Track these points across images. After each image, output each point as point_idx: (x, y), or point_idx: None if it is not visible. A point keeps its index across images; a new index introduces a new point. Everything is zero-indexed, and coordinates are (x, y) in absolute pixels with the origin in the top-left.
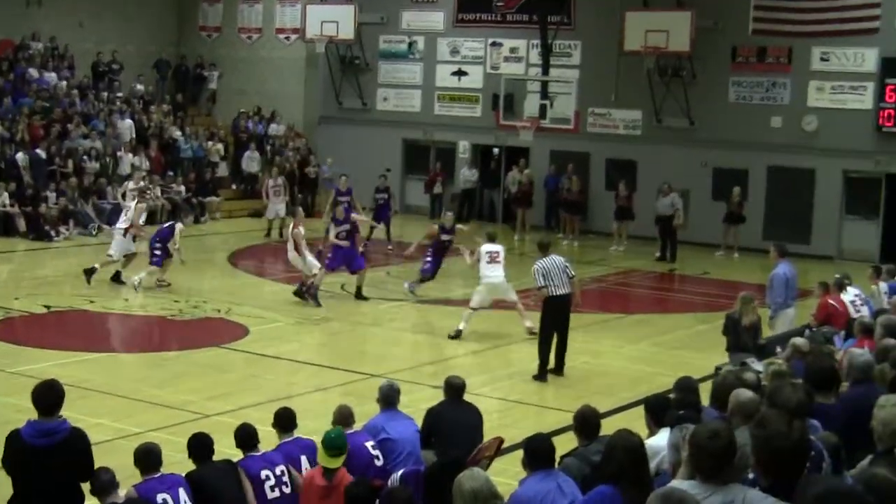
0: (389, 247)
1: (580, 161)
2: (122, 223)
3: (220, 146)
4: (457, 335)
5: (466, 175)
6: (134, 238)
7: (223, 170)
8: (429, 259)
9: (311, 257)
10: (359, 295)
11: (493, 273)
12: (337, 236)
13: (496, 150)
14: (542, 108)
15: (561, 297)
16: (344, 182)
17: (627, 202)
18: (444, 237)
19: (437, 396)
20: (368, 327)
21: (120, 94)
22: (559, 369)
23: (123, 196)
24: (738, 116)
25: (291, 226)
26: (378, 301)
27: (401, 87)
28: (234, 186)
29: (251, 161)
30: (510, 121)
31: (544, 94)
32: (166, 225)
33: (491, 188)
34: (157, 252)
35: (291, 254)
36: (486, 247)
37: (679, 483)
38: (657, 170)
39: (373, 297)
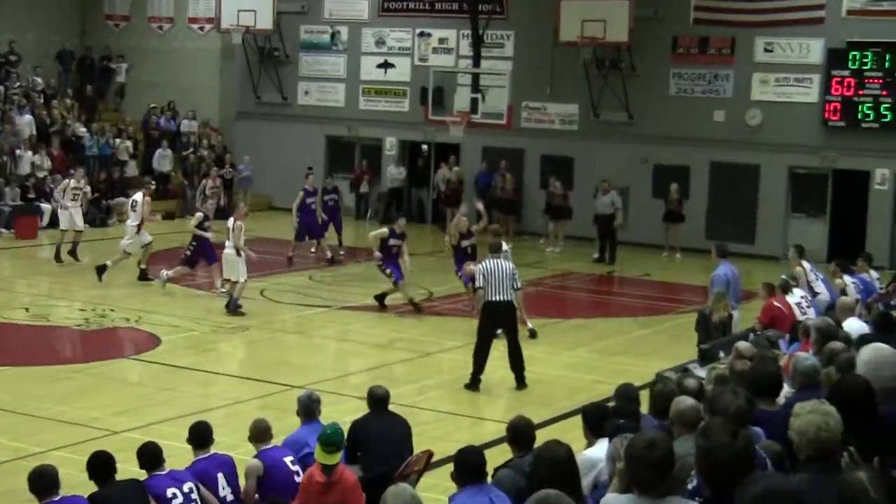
0: (342, 253)
1: (514, 158)
2: (133, 220)
3: (128, 144)
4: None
5: (394, 173)
6: (138, 230)
7: (132, 169)
8: (388, 268)
9: (243, 265)
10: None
11: None
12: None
13: (425, 147)
14: (474, 103)
15: (500, 304)
16: (330, 181)
17: (564, 201)
18: (394, 242)
19: (363, 408)
20: (290, 335)
21: (18, 88)
22: (520, 382)
23: (64, 194)
24: (679, 110)
25: (233, 218)
26: (301, 307)
27: (323, 81)
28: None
29: (163, 160)
30: (439, 115)
31: (475, 87)
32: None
33: (419, 187)
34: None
35: (229, 251)
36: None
37: (614, 498)
38: (595, 167)
39: (295, 304)
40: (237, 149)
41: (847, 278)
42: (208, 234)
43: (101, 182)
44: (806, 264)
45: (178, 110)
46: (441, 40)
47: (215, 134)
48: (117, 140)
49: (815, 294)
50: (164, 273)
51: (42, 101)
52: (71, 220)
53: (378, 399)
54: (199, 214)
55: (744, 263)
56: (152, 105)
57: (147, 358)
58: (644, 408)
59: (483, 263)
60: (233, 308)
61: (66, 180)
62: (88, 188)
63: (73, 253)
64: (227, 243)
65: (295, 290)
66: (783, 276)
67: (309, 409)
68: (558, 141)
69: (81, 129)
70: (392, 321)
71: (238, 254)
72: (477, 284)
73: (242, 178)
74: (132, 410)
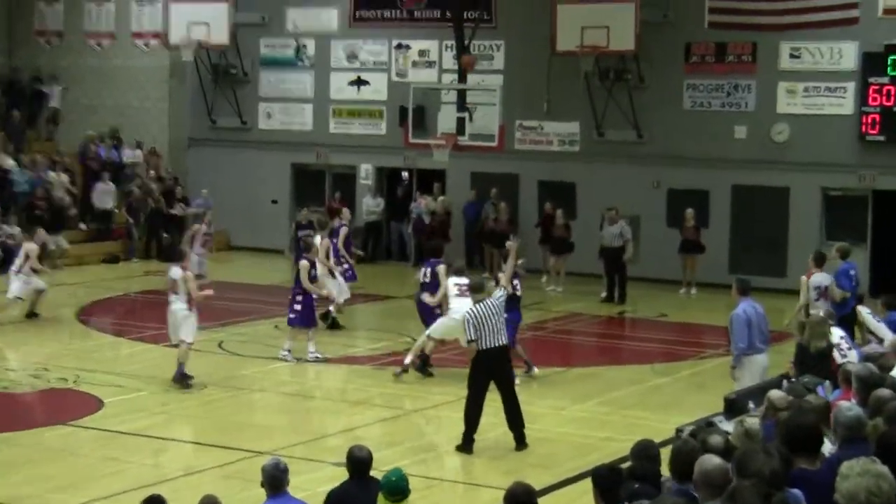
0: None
1: (507, 184)
2: (15, 266)
3: (64, 177)
4: (404, 371)
5: (370, 205)
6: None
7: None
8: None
9: (194, 322)
10: None
11: (460, 308)
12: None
13: (405, 175)
14: (460, 123)
15: (496, 351)
16: (304, 214)
17: (566, 232)
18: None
19: (341, 475)
20: (254, 393)
21: None
22: (520, 441)
23: None
24: (695, 126)
25: (181, 267)
26: (266, 360)
27: (288, 101)
28: (83, 226)
29: (104, 195)
30: (421, 138)
31: (462, 105)
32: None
33: (400, 220)
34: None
35: (179, 306)
36: (454, 279)
37: None
38: (600, 193)
39: (260, 356)
40: (190, 181)
41: None
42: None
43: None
44: (863, 309)
45: (122, 138)
46: (421, 53)
47: (164, 163)
48: (51, 173)
49: (880, 340)
50: (312, 352)
51: None
52: None
53: (359, 463)
54: (304, 263)
55: (773, 300)
56: (91, 133)
57: (88, 424)
58: (664, 469)
59: (471, 311)
60: (179, 377)
61: None
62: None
63: None
64: (173, 297)
65: (258, 341)
66: (819, 313)
67: (275, 479)
68: (558, 164)
69: (9, 162)
70: (370, 374)
71: (190, 308)
72: (468, 337)
73: (193, 213)
74: (72, 486)
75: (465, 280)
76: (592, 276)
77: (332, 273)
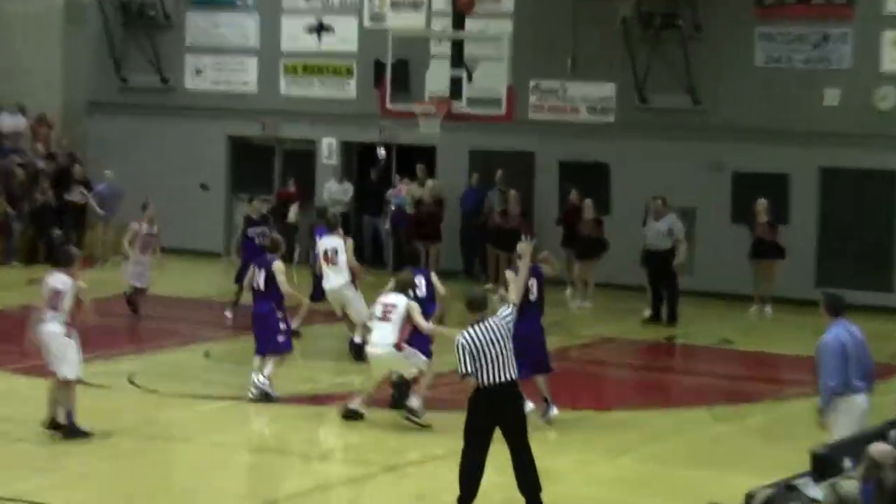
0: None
1: (519, 166)
2: None
3: None
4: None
5: (335, 192)
6: None
7: None
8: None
9: (74, 355)
10: None
11: (377, 338)
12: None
13: (382, 152)
14: (456, 84)
15: (502, 387)
16: (256, 206)
17: (596, 230)
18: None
19: None
20: (175, 444)
21: None
22: None
23: None
24: (769, 90)
25: (68, 274)
26: (193, 400)
27: (224, 53)
28: None
29: None
30: (403, 104)
31: (458, 60)
32: None
33: (374, 213)
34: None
35: (56, 327)
36: (324, 241)
37: None
38: (643, 178)
39: (184, 394)
40: (91, 158)
41: None
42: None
43: None
44: None
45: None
46: None
47: (57, 135)
48: None
49: None
50: (263, 383)
51: None
52: None
53: None
54: (280, 264)
55: (876, 322)
56: None
57: None
58: None
59: (464, 336)
60: (70, 431)
61: None
62: None
63: None
64: (48, 315)
65: (183, 375)
66: None
67: None
68: (586, 139)
69: None
70: (334, 417)
71: (69, 333)
72: (461, 370)
73: (106, 200)
74: None
75: (393, 299)
76: (632, 289)
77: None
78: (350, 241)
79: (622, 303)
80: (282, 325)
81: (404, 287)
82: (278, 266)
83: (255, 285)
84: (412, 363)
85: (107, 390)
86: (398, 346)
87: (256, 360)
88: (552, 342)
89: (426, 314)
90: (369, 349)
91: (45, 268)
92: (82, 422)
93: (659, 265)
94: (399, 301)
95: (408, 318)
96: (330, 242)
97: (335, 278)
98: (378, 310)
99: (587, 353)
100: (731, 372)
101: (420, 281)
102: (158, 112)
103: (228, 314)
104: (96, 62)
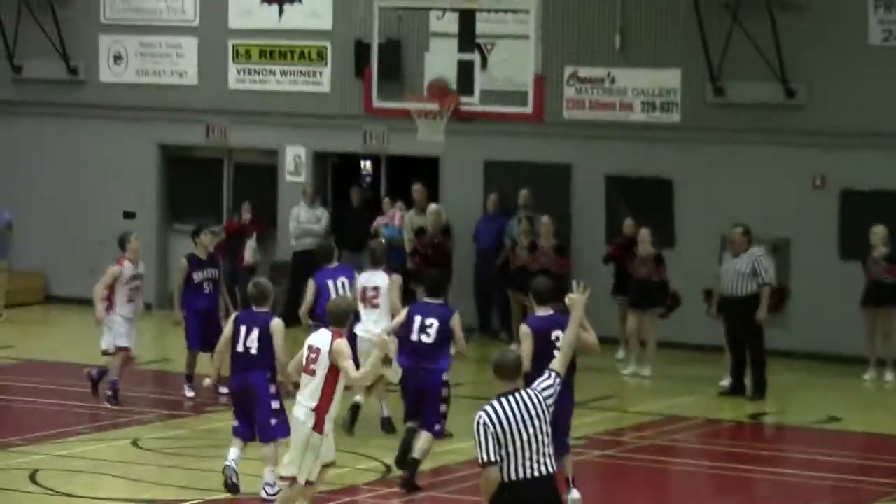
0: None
1: (551, 183)
2: None
3: None
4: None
5: (304, 220)
6: None
7: None
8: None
9: None
10: None
11: (366, 323)
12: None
13: (367, 166)
14: (465, 72)
15: (535, 484)
16: (204, 242)
17: (655, 270)
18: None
19: None
20: None
21: None
22: None
23: None
24: (889, 79)
25: None
26: None
27: (153, 33)
28: None
29: None
30: (395, 101)
31: (468, 40)
32: None
33: (357, 248)
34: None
35: None
36: (363, 277)
37: None
38: (717, 198)
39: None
40: None
41: None
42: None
43: None
44: None
45: None
46: None
47: None
48: None
49: None
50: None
51: None
52: None
53: None
54: (278, 323)
55: None
56: None
57: None
58: None
59: (486, 412)
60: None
61: None
62: None
63: None
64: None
65: (103, 470)
66: None
67: None
68: (641, 146)
69: None
70: None
71: None
72: (482, 457)
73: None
74: None
75: (377, 278)
76: (704, 349)
77: None
78: (397, 279)
79: (692, 369)
80: (274, 404)
81: (379, 260)
82: (277, 325)
83: (240, 348)
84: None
85: (4, 493)
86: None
87: (235, 449)
88: (598, 421)
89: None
90: (360, 334)
91: None
92: None
93: (739, 318)
94: (381, 281)
95: None
96: (371, 279)
97: (372, 324)
98: (360, 295)
99: (646, 437)
100: (839, 462)
101: (432, 323)
102: (65, 113)
103: (189, 392)
104: None
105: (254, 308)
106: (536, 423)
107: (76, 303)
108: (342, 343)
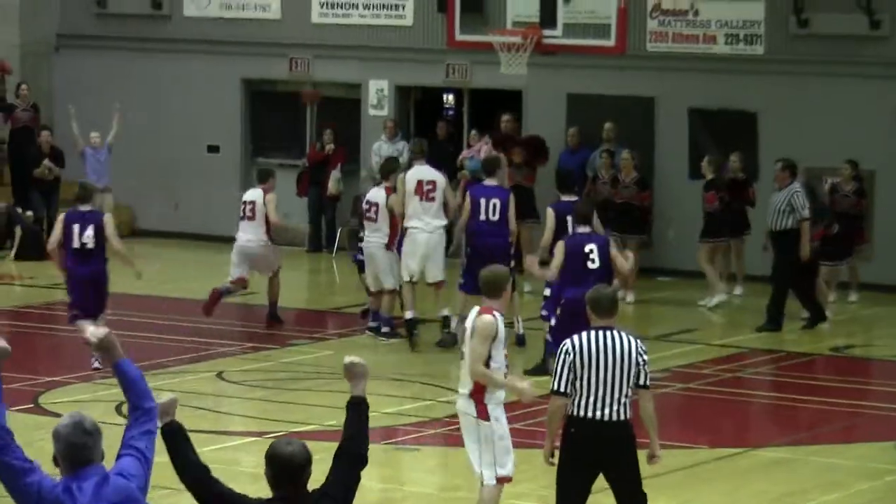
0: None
1: (634, 117)
2: None
3: None
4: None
5: (386, 154)
6: None
7: None
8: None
9: None
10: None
11: (422, 222)
12: None
13: (450, 99)
14: (547, 5)
15: (601, 426)
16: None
17: (739, 200)
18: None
19: None
20: (181, 497)
21: None
22: None
23: None
24: None
25: None
26: (212, 435)
27: None
28: None
29: None
30: (478, 34)
31: None
32: None
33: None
34: None
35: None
36: (413, 172)
37: None
38: (801, 130)
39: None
40: (60, 112)
41: None
42: None
43: None
44: None
45: None
46: None
47: (11, 83)
48: None
49: None
50: None
51: None
52: None
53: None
54: None
55: None
56: None
57: None
58: None
59: (571, 341)
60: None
61: None
62: None
63: None
64: None
65: (191, 402)
66: None
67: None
68: (725, 79)
69: None
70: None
71: None
72: (553, 385)
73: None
74: None
75: (432, 174)
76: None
77: None
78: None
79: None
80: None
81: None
82: (108, 220)
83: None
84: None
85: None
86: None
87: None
88: (682, 358)
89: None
90: (414, 235)
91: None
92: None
93: (777, 251)
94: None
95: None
96: (426, 174)
97: (430, 217)
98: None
99: (726, 371)
100: None
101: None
102: (149, 49)
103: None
104: None
105: (80, 207)
106: (618, 367)
107: (162, 236)
108: (485, 320)
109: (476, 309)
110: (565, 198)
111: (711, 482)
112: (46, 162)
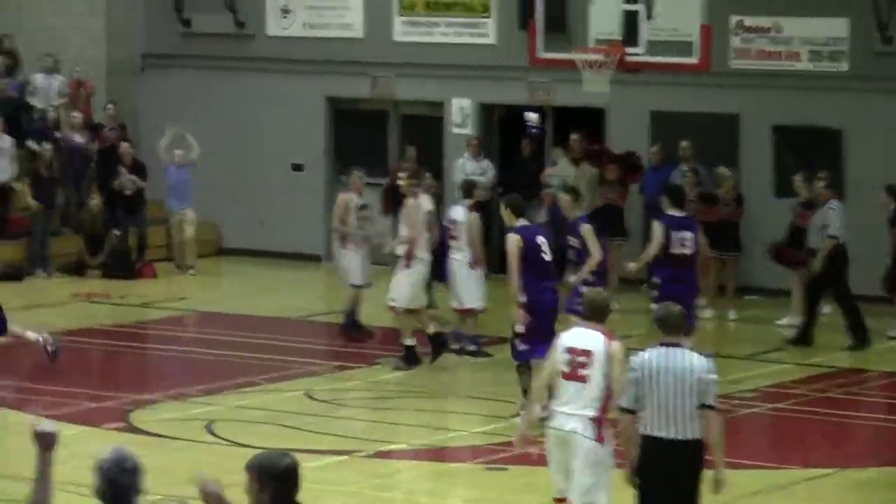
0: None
1: (717, 134)
2: None
3: None
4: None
5: (469, 172)
6: None
7: None
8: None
9: None
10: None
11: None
12: None
13: (533, 117)
14: (630, 22)
15: (670, 446)
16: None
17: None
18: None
19: None
20: None
21: None
22: None
23: None
24: None
25: None
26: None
27: None
28: None
29: None
30: (561, 51)
31: None
32: None
33: (526, 197)
34: None
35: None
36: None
37: None
38: (886, 147)
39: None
40: (145, 130)
41: None
42: None
43: None
44: None
45: (19, 56)
46: None
47: (97, 102)
48: None
49: None
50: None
51: None
52: None
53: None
54: None
55: None
56: None
57: None
58: None
59: (639, 355)
60: None
61: None
62: None
63: None
64: None
65: (276, 421)
66: None
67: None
68: (809, 96)
69: None
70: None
71: None
72: (623, 402)
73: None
74: None
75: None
76: (867, 300)
77: None
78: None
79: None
80: None
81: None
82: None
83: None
84: None
85: (178, 443)
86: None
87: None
88: (766, 378)
89: None
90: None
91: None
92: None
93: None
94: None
95: None
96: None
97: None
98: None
99: (816, 391)
100: None
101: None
102: (232, 66)
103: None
104: (152, 4)
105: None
106: (682, 385)
107: (247, 254)
108: (621, 347)
109: (584, 332)
110: (672, 212)
111: (805, 502)
112: (126, 174)
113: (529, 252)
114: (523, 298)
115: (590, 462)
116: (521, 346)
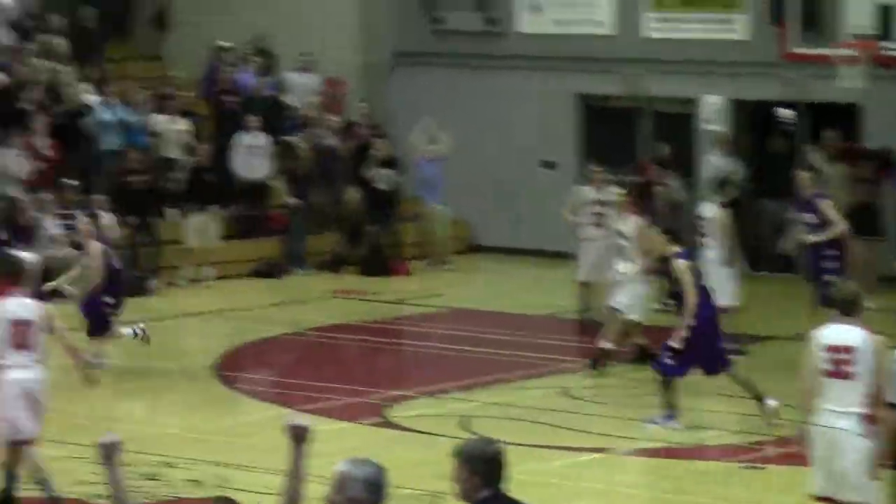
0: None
1: None
2: None
3: (183, 124)
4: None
5: (719, 168)
6: None
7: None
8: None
9: None
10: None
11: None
12: None
13: (786, 113)
14: (885, 17)
15: None
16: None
17: None
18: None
19: None
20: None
21: None
22: None
23: None
24: None
25: None
26: (547, 451)
27: None
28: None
29: (252, 155)
30: (814, 47)
31: None
32: None
33: (780, 195)
34: None
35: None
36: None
37: None
38: None
39: (534, 445)
40: (398, 128)
41: None
42: None
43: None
44: None
45: (274, 54)
46: None
47: (351, 102)
48: (160, 116)
49: None
50: None
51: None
52: None
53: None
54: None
55: None
56: (222, 44)
57: None
58: None
59: None
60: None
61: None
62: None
63: None
64: None
65: (529, 417)
66: None
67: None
68: None
69: (90, 97)
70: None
71: None
72: (891, 397)
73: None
74: None
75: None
76: None
77: None
78: None
79: None
80: None
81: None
82: None
83: None
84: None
85: (434, 439)
86: None
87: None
88: None
89: None
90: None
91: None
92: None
93: None
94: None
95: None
96: None
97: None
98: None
99: None
100: None
101: None
102: (483, 64)
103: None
104: (403, 3)
105: None
106: None
107: (500, 252)
108: (882, 340)
109: (842, 328)
110: None
111: None
112: (378, 168)
113: (696, 277)
114: (693, 322)
115: (862, 460)
116: (670, 362)
